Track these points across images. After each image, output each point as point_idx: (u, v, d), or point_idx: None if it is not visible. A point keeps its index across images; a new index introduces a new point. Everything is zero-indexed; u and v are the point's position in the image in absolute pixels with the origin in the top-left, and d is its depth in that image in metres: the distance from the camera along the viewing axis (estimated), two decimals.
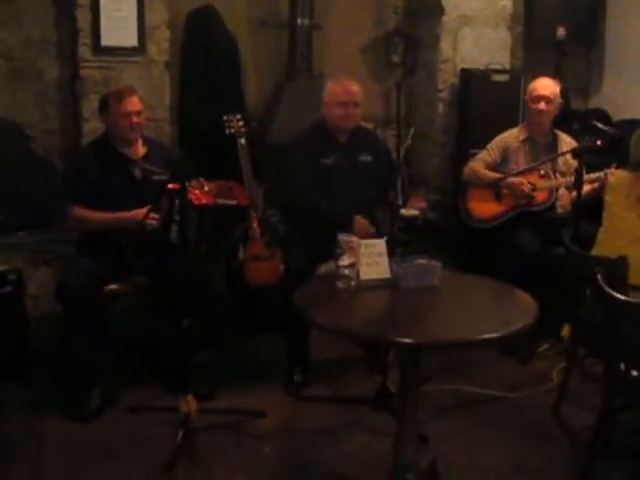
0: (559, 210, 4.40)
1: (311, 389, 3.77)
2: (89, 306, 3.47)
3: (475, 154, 4.68)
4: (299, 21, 4.94)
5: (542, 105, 4.34)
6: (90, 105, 4.24)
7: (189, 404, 3.23)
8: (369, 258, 2.70)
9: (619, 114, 5.42)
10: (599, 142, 5.06)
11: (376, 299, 2.69)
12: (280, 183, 4.02)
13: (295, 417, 3.53)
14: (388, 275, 2.73)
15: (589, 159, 4.04)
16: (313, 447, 3.30)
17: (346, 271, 2.66)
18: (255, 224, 3.89)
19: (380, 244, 2.76)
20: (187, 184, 3.23)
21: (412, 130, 3.71)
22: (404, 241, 3.24)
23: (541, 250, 4.22)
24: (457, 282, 2.88)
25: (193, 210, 3.35)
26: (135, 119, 3.66)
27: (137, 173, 3.72)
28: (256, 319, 4.32)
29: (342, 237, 2.68)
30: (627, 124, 5.12)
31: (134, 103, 3.68)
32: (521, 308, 2.59)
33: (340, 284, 2.68)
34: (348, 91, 3.89)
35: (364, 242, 2.73)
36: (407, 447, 2.65)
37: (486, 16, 5.21)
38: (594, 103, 5.77)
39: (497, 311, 2.65)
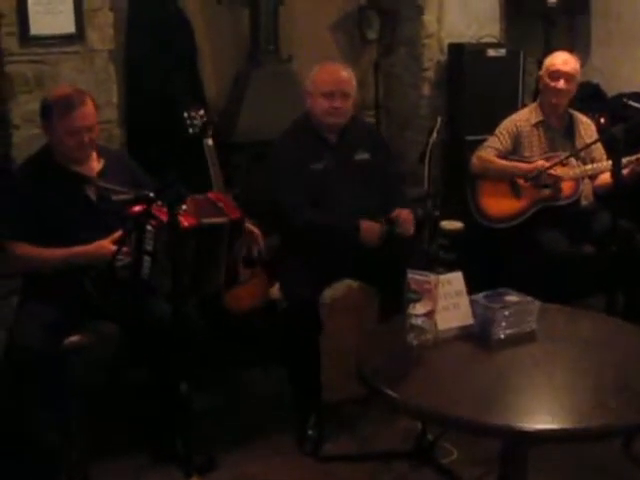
0: (583, 202, 3.83)
1: (331, 443, 3.08)
2: (46, 368, 2.69)
3: (473, 142, 4.10)
4: None
5: (562, 83, 3.78)
6: (20, 109, 3.47)
7: None
8: (445, 300, 2.03)
9: (612, 87, 4.94)
10: (602, 120, 4.70)
11: (465, 360, 2.01)
12: (267, 200, 3.34)
13: None
14: (471, 321, 2.06)
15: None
16: None
17: (419, 321, 1.98)
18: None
19: (457, 279, 2.08)
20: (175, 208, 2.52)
21: (439, 121, 3.01)
22: (448, 262, 2.59)
23: (568, 250, 3.68)
24: (558, 322, 2.20)
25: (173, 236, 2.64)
26: (87, 137, 2.84)
27: (92, 194, 2.95)
28: (240, 353, 3.63)
29: (414, 276, 1.98)
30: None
31: (86, 116, 2.83)
32: None
33: (412, 339, 2.00)
34: (335, 79, 3.24)
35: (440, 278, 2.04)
36: None
37: None
38: (581, 76, 5.28)
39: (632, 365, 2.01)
